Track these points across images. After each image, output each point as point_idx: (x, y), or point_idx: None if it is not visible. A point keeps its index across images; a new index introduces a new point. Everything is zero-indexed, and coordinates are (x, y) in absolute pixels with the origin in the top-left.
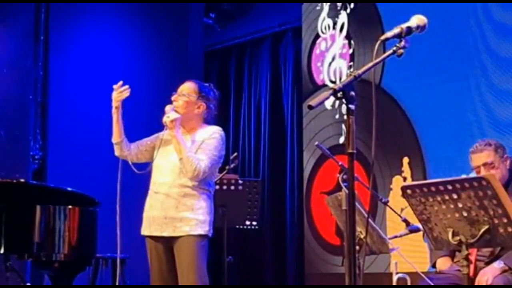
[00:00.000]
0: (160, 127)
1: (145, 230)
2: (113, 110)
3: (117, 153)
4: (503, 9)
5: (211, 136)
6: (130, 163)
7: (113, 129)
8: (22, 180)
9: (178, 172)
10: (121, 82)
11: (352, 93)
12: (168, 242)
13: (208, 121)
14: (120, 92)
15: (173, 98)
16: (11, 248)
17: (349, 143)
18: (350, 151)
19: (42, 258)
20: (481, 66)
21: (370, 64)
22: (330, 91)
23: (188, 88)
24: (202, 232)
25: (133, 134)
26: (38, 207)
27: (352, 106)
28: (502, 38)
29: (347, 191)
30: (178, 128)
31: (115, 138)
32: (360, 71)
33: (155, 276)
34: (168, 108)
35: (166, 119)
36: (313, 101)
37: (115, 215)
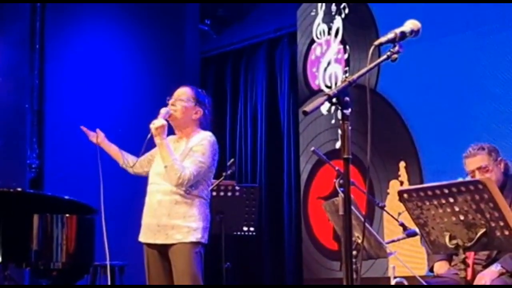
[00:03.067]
0: None
1: (141, 237)
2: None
3: (130, 172)
4: (498, 9)
5: (199, 142)
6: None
7: (111, 155)
8: (19, 189)
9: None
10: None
11: (347, 98)
12: (162, 249)
13: (204, 126)
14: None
15: (170, 102)
16: (9, 257)
17: (344, 148)
18: (345, 156)
19: (40, 266)
20: (476, 69)
21: (364, 70)
22: (325, 97)
23: (186, 93)
24: (194, 240)
25: (129, 140)
26: (35, 216)
27: (346, 112)
28: (497, 39)
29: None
30: (164, 135)
31: (121, 163)
32: (354, 77)
33: (153, 282)
34: (163, 110)
35: (151, 126)
36: (308, 107)
37: (112, 223)
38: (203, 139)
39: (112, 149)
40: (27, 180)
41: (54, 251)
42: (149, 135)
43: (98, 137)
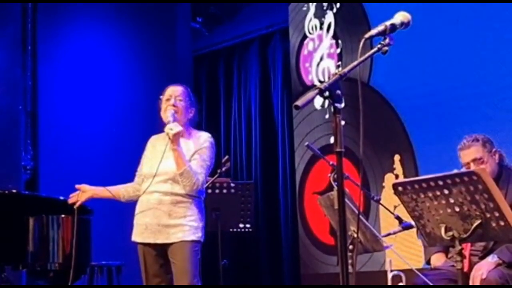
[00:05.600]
0: (148, 131)
1: (137, 237)
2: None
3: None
4: (490, 6)
5: (202, 145)
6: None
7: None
8: (14, 190)
9: (170, 181)
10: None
11: (338, 92)
12: (161, 249)
13: (193, 125)
14: (82, 197)
15: (171, 102)
16: (6, 259)
17: (336, 142)
18: (338, 150)
19: (37, 268)
20: (469, 62)
21: (355, 63)
22: (316, 91)
23: (183, 92)
24: (195, 238)
25: (122, 139)
26: (31, 217)
27: (338, 105)
28: (489, 33)
29: None
30: (179, 141)
31: (121, 200)
32: (345, 70)
33: (150, 282)
34: (169, 113)
35: (169, 131)
36: (299, 101)
37: (109, 223)
38: (205, 141)
39: (113, 194)
40: (22, 181)
41: (50, 252)
42: (150, 139)
43: (80, 195)
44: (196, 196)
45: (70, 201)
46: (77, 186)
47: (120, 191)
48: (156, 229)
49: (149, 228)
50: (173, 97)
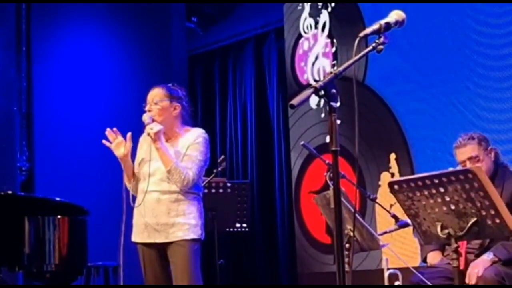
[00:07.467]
0: (143, 132)
1: (136, 237)
2: (122, 159)
3: (131, 191)
4: (486, 5)
5: (195, 141)
6: (131, 196)
7: (125, 173)
8: (9, 192)
9: (167, 179)
10: (109, 133)
11: (334, 90)
12: (161, 248)
13: (186, 120)
14: (117, 145)
15: (147, 108)
16: (2, 260)
17: (332, 140)
18: (333, 148)
19: (33, 269)
20: (465, 60)
21: (350, 62)
22: (311, 89)
23: (158, 94)
24: (195, 236)
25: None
26: (27, 219)
27: (334, 104)
28: (486, 32)
29: None
30: (163, 139)
31: (129, 182)
32: (340, 69)
33: (150, 282)
34: (146, 116)
35: (150, 131)
36: (294, 100)
37: (106, 223)
38: (198, 137)
39: (131, 167)
40: (18, 183)
41: (46, 253)
42: (142, 136)
43: (126, 145)
44: (194, 193)
45: (112, 136)
46: (129, 136)
47: (135, 176)
48: (155, 228)
49: (149, 227)
50: (148, 103)
